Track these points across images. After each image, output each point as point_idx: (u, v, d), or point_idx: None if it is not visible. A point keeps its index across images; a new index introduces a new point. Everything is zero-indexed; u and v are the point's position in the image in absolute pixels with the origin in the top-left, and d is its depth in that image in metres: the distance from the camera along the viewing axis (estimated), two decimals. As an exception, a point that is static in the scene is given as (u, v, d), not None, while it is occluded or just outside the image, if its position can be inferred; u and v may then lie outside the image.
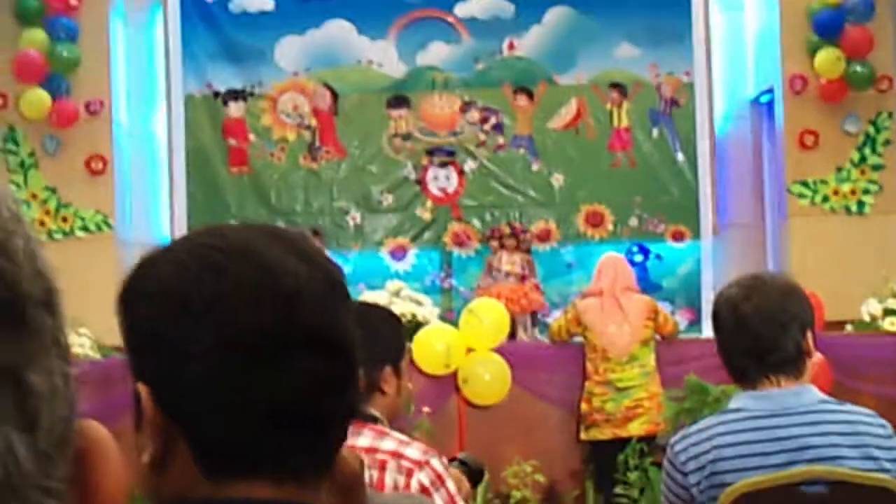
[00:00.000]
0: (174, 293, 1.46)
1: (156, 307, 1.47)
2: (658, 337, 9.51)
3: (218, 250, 1.47)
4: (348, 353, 1.49)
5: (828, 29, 11.18)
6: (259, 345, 1.43)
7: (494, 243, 11.21)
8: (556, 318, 10.14)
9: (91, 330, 9.71)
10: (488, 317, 9.73)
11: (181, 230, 11.84)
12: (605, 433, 9.27)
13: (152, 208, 12.08)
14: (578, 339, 9.61)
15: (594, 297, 9.55)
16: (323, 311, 1.46)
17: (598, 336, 9.35)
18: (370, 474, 3.37)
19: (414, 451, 3.45)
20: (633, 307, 9.40)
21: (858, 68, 11.20)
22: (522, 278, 10.97)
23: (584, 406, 9.40)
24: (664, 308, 10.23)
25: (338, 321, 1.48)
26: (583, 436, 9.43)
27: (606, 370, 9.32)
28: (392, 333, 3.73)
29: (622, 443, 9.09)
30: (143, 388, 1.46)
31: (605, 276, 9.58)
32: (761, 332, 3.53)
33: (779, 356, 3.56)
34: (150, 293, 1.48)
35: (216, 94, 12.10)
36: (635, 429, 9.15)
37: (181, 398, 1.45)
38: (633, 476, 8.88)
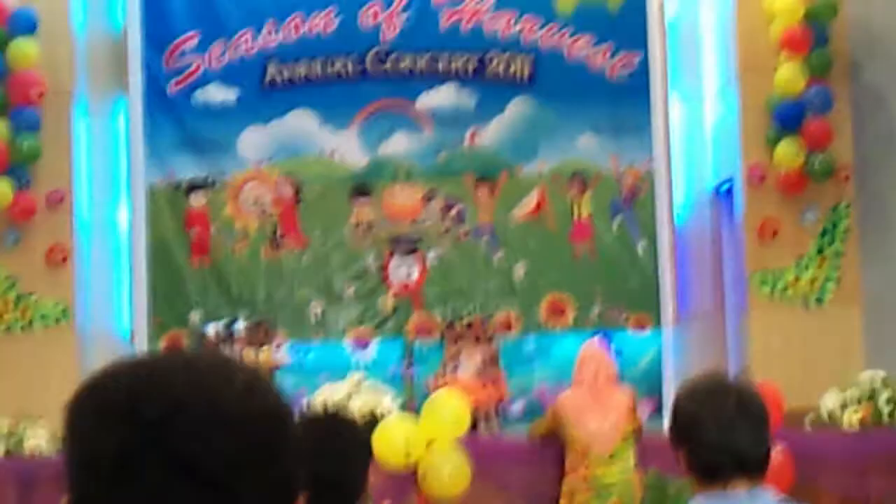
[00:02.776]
0: (64, 416, 1.54)
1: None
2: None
3: (103, 374, 1.51)
4: (223, 484, 1.46)
5: (788, 120, 11.22)
6: (113, 466, 1.45)
7: (449, 338, 11.21)
8: (537, 420, 9.84)
9: (50, 423, 9.60)
10: (449, 408, 9.61)
11: (142, 323, 11.83)
12: (588, 532, 8.95)
13: (114, 300, 11.96)
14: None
15: (574, 389, 9.28)
16: (196, 440, 1.45)
17: (579, 431, 9.02)
18: None
19: None
20: (615, 401, 9.07)
21: (818, 160, 11.22)
22: (487, 373, 10.94)
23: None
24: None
25: (217, 452, 1.46)
26: (564, 533, 9.11)
27: (589, 467, 8.99)
28: (365, 438, 3.96)
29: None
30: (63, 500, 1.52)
31: (586, 367, 9.25)
32: (744, 431, 3.46)
33: (757, 455, 3.50)
34: None
35: (178, 185, 12.05)
36: (619, 528, 8.85)
37: None
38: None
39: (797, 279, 11.35)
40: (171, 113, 12.07)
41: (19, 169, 11.14)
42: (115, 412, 1.46)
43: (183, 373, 1.49)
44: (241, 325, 11.43)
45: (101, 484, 1.45)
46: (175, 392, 1.46)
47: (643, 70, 12.16)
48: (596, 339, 10.99)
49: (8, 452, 9.76)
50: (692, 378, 3.64)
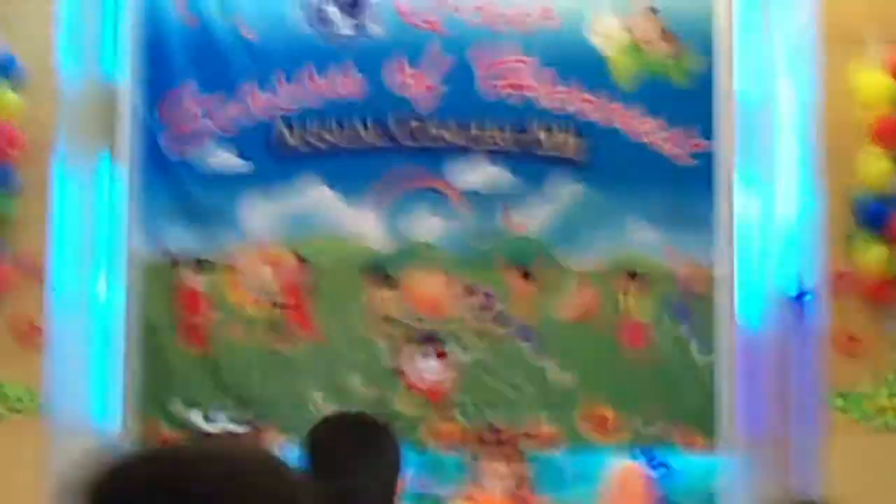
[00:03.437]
0: None
1: None
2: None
3: (116, 467, 1.63)
4: None
5: (875, 219, 11.00)
6: None
7: (475, 452, 11.25)
8: None
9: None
10: None
11: (124, 416, 11.58)
12: None
13: (92, 389, 11.66)
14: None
15: None
16: None
17: None
18: None
19: None
20: None
21: (909, 265, 11.00)
22: (517, 496, 10.96)
23: None
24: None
25: None
26: None
27: None
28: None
29: None
30: None
31: (624, 493, 9.10)
32: None
33: None
34: None
35: (172, 260, 11.82)
36: None
37: None
38: None
39: (882, 401, 11.12)
40: (165, 176, 11.81)
41: (-12, 235, 10.90)
42: None
43: (206, 464, 1.58)
44: (233, 426, 11.22)
45: None
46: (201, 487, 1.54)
47: (709, 155, 11.97)
48: (632, 461, 10.84)
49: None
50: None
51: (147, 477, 1.59)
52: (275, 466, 1.66)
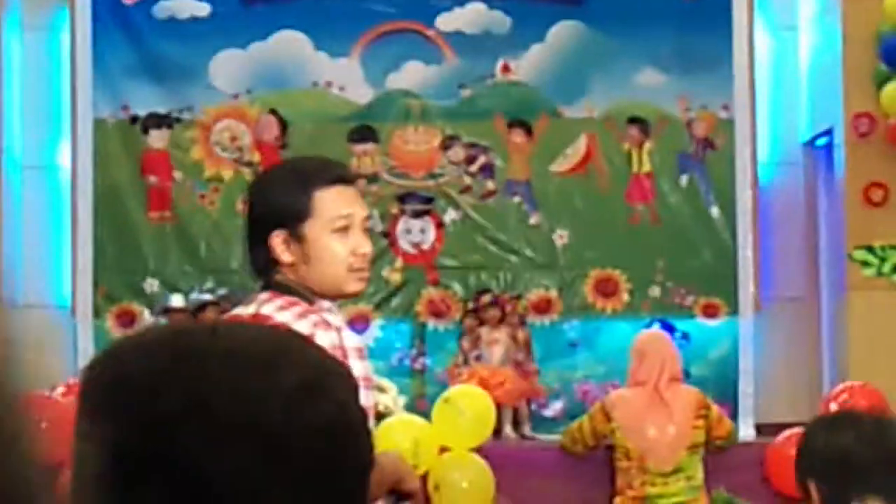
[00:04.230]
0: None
1: None
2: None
3: (115, 351, 1.54)
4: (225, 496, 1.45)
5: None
6: (110, 465, 1.46)
7: (469, 321, 11.21)
8: (577, 421, 9.67)
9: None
10: (470, 408, 9.46)
11: (85, 291, 11.65)
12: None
13: (51, 263, 11.79)
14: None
15: (632, 388, 9.04)
16: (212, 457, 1.44)
17: (633, 439, 8.84)
18: None
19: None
20: (679, 403, 8.87)
21: (938, 106, 10.96)
22: (516, 362, 10.85)
23: (615, 530, 8.91)
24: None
25: (216, 458, 1.45)
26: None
27: (644, 483, 8.80)
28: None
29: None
30: None
31: (649, 362, 8.97)
32: None
33: None
34: None
35: (134, 120, 11.86)
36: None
37: None
38: None
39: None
40: (125, 29, 11.84)
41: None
42: (131, 412, 1.46)
43: (216, 362, 1.47)
44: (209, 297, 11.17)
45: (97, 486, 1.47)
46: (198, 388, 1.46)
47: (723, -9, 11.86)
48: (657, 327, 10.85)
49: None
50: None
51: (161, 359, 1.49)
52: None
